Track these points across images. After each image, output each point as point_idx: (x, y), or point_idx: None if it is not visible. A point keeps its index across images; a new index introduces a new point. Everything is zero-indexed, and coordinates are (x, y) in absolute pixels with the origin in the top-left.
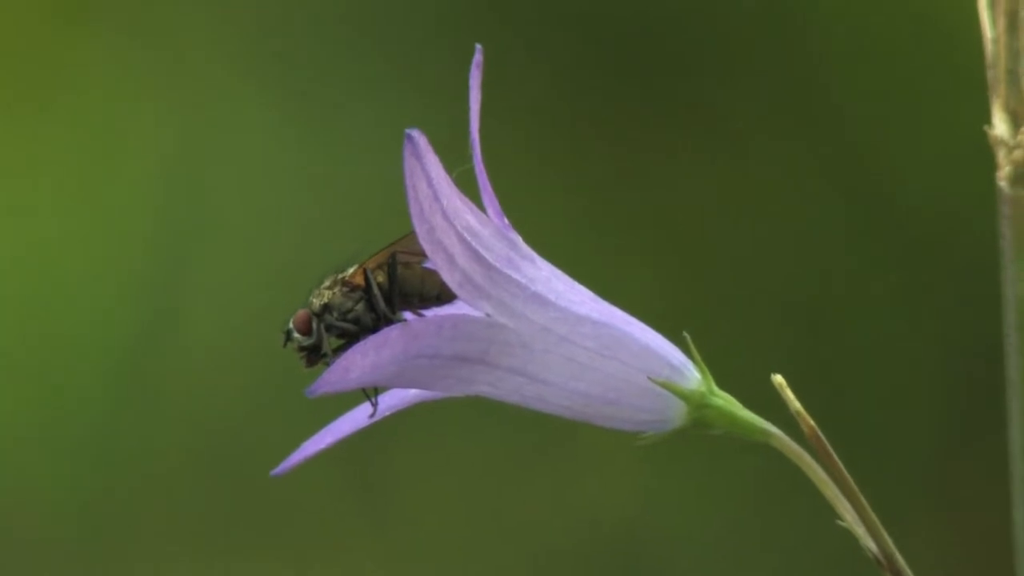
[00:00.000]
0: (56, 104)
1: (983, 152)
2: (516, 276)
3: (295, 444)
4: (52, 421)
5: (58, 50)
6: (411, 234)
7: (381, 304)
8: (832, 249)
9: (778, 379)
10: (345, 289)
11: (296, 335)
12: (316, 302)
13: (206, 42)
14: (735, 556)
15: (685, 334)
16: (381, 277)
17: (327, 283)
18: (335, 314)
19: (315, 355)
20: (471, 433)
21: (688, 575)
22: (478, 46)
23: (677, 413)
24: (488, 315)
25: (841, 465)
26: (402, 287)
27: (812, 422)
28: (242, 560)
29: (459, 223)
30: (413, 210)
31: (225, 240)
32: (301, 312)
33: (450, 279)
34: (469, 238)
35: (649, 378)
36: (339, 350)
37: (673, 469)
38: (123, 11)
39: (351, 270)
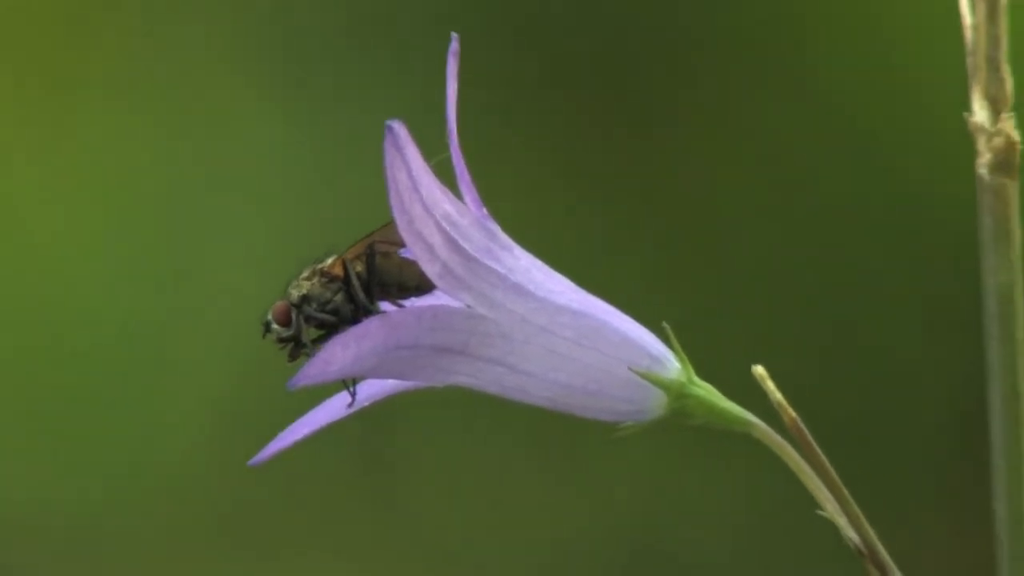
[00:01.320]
0: (59, 110)
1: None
2: (495, 266)
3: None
4: (56, 425)
5: (61, 56)
6: (390, 224)
7: (360, 295)
8: (816, 241)
9: (759, 370)
10: (324, 280)
11: (275, 326)
12: (295, 293)
13: (206, 43)
14: (745, 549)
15: (665, 324)
16: (360, 267)
17: (306, 274)
18: (314, 305)
19: (295, 347)
20: (479, 425)
21: (697, 568)
22: (454, 34)
23: (657, 403)
24: (468, 306)
25: (822, 455)
26: (381, 277)
27: (793, 413)
28: (247, 559)
29: (438, 213)
30: (393, 201)
31: (227, 239)
32: (280, 303)
33: (430, 270)
34: (448, 228)
35: (629, 368)
36: (318, 341)
37: (683, 463)
38: (128, 18)
39: (329, 260)
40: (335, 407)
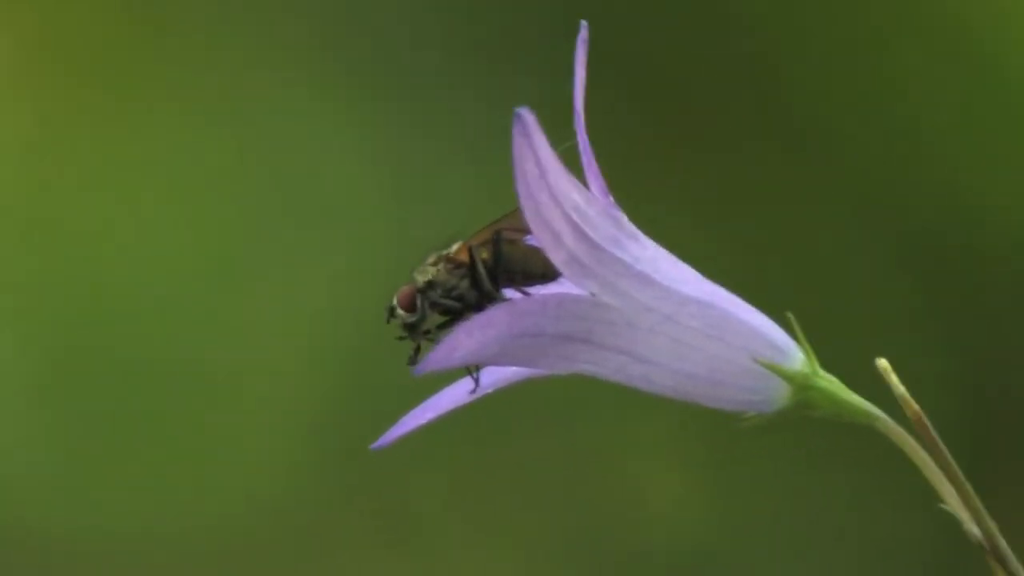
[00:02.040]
0: (126, 113)
1: None
2: (621, 255)
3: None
4: (124, 439)
5: (128, 58)
6: (515, 211)
7: (485, 282)
8: (935, 236)
9: (882, 363)
10: (449, 266)
11: (400, 312)
12: (420, 279)
13: (272, 40)
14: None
15: (789, 315)
16: (485, 254)
17: (431, 260)
18: (439, 291)
19: (418, 332)
20: (526, 439)
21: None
22: (583, 23)
23: (781, 394)
24: (593, 294)
25: (945, 449)
26: (506, 264)
27: (916, 407)
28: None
29: (566, 202)
30: (520, 189)
31: (316, 231)
32: (405, 288)
33: (556, 258)
34: (575, 217)
35: (754, 359)
36: (442, 327)
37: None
38: (199, 17)
39: (455, 247)
40: (458, 393)
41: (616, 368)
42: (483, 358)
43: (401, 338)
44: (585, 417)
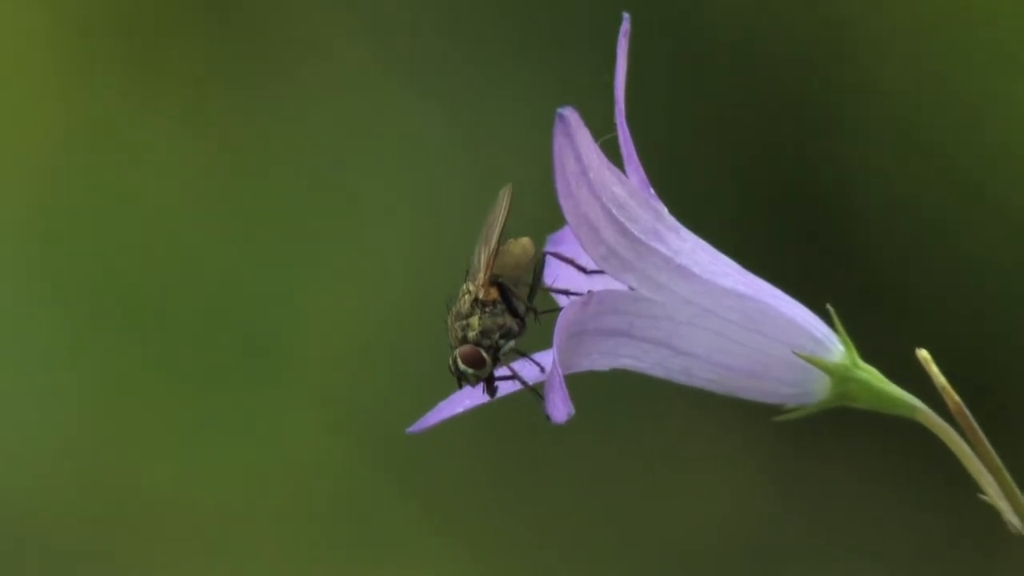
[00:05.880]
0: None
1: None
2: (661, 248)
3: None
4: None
5: (201, 54)
6: (485, 238)
7: (522, 307)
8: (980, 228)
9: (923, 354)
10: (487, 309)
11: (471, 371)
12: (471, 335)
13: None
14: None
15: (829, 307)
16: (495, 294)
17: (464, 312)
18: (496, 334)
19: (492, 380)
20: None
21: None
22: (625, 15)
23: (821, 387)
24: (632, 288)
25: (986, 440)
26: (524, 283)
27: (957, 397)
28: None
29: (605, 196)
30: (559, 187)
31: (370, 227)
32: (466, 349)
33: (594, 253)
34: (615, 211)
35: (793, 352)
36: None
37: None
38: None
39: (479, 291)
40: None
41: (656, 361)
42: (572, 368)
43: (487, 390)
44: (643, 416)
